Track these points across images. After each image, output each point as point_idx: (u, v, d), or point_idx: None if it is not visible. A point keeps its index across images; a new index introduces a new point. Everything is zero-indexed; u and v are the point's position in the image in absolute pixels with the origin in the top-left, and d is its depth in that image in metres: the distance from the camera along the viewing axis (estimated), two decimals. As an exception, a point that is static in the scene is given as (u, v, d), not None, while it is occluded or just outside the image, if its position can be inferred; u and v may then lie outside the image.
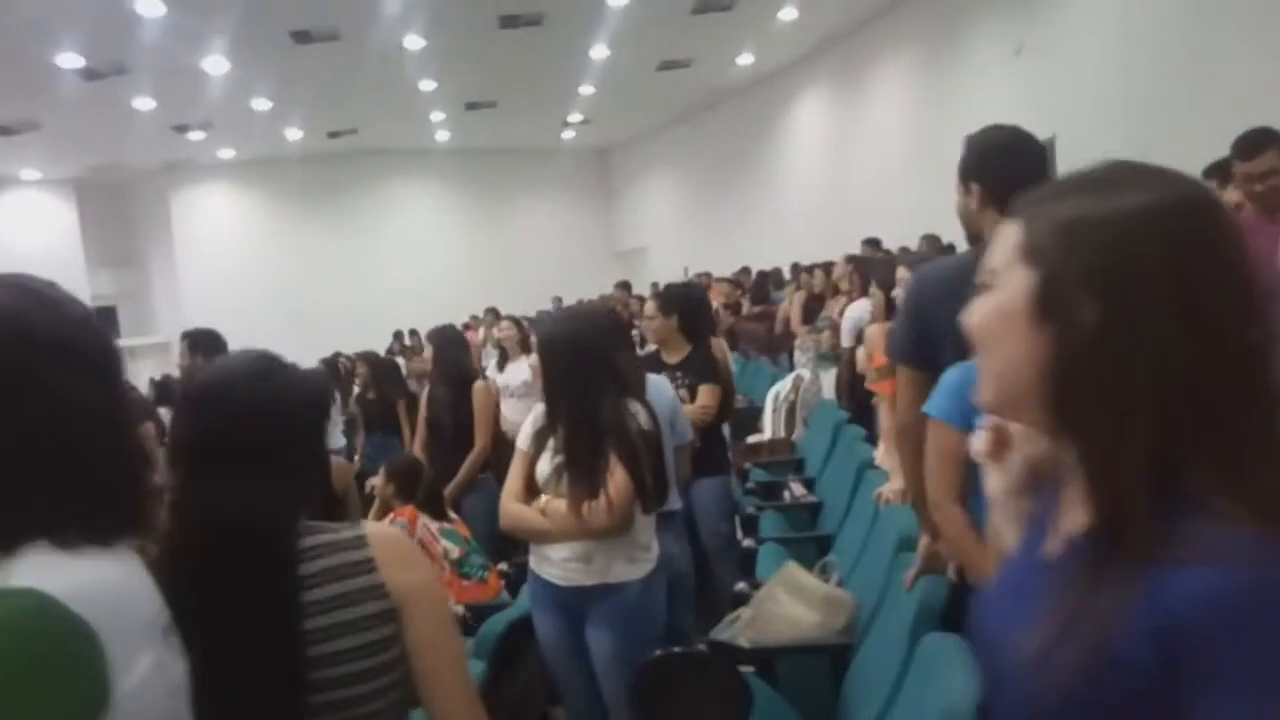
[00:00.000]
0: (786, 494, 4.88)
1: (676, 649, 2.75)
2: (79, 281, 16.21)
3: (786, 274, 11.81)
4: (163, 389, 8.97)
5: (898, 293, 3.57)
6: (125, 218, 17.69)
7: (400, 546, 1.42)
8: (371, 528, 1.42)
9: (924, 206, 11.20)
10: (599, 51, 12.85)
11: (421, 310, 16.03)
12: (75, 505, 0.94)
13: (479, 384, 4.51)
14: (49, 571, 0.89)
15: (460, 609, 3.54)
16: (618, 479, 2.49)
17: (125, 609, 0.93)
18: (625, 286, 13.09)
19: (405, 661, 1.37)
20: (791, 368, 7.50)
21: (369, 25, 10.87)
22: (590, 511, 2.50)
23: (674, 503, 3.28)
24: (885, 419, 3.87)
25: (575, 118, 17.04)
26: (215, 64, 11.37)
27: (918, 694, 1.92)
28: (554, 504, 2.58)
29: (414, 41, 11.62)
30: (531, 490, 2.65)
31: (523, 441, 2.72)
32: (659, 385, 3.27)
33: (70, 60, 10.47)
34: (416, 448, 4.62)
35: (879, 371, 4.02)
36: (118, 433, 1.00)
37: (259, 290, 17.16)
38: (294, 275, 17.53)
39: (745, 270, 12.92)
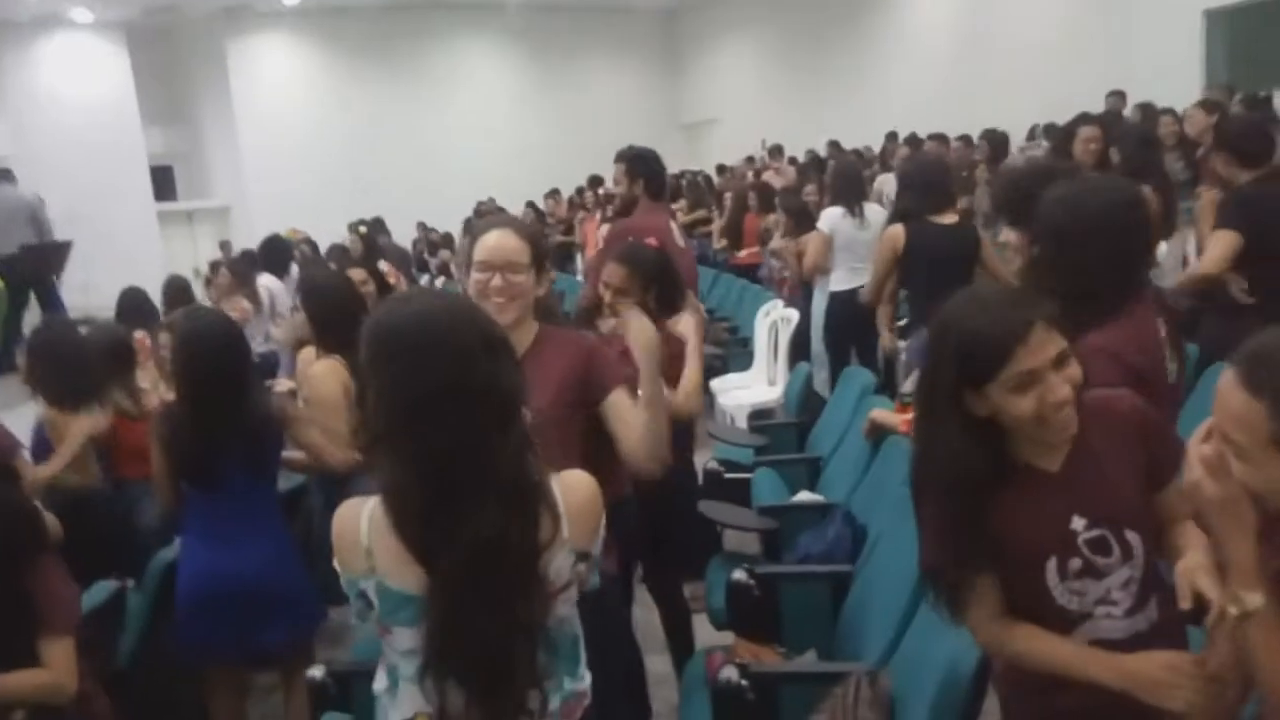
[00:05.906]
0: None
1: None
2: (134, 138, 14.99)
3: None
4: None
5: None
6: (179, 69, 16.24)
7: None
8: None
9: (1108, 66, 10.17)
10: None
11: (483, 183, 14.88)
12: None
13: None
14: None
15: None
16: None
17: None
18: None
19: None
20: None
21: None
22: None
23: None
24: None
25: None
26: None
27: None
28: None
29: None
30: None
31: None
32: None
33: None
34: None
35: None
36: None
37: (321, 155, 15.97)
38: (358, 140, 16.31)
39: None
